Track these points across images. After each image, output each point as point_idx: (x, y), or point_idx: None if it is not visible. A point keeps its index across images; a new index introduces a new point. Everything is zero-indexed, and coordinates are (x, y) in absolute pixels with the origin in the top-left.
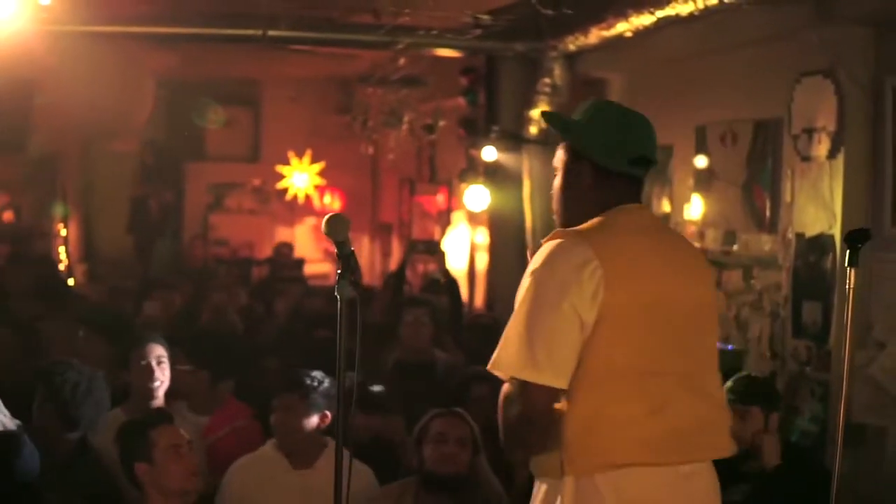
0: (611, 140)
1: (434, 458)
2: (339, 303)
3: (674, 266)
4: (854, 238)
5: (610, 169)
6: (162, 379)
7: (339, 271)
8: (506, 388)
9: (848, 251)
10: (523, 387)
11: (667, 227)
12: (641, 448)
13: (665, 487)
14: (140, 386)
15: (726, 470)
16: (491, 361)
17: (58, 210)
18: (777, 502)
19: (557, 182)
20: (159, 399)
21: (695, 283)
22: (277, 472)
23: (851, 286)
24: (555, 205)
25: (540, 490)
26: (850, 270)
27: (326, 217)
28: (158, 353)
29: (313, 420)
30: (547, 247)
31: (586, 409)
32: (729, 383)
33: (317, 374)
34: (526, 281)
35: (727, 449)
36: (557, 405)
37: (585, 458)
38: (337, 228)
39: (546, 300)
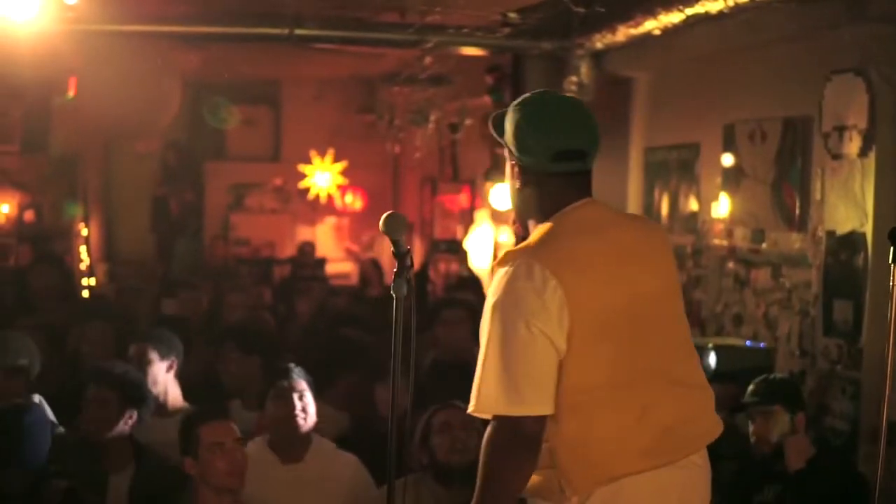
0: (529, 138)
1: (444, 447)
2: (394, 301)
3: (630, 261)
4: None
5: (534, 169)
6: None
7: (395, 270)
8: (489, 431)
9: (892, 248)
10: (515, 423)
11: (618, 216)
12: (637, 456)
13: (665, 486)
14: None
15: (758, 470)
16: (472, 405)
17: (78, 210)
18: (809, 502)
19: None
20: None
21: (653, 272)
22: (267, 467)
23: (895, 284)
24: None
25: None
26: (894, 267)
27: (385, 215)
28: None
29: (299, 412)
30: (502, 274)
31: (573, 430)
32: (751, 386)
33: (294, 366)
34: (488, 314)
35: (716, 430)
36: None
37: (584, 477)
38: (394, 226)
39: (515, 331)
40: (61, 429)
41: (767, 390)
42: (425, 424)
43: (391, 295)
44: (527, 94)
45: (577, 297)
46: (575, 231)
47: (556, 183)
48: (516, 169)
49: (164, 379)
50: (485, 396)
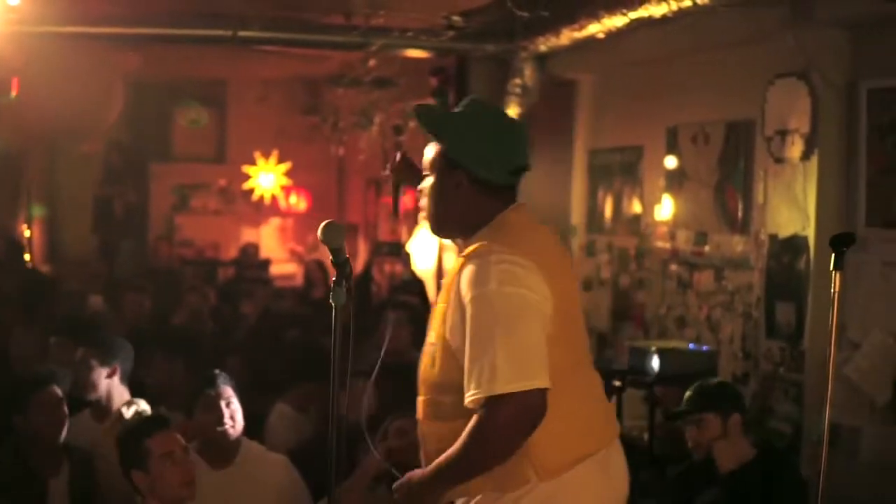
0: (490, 151)
1: (399, 448)
2: (333, 310)
3: (562, 257)
4: (839, 242)
5: (490, 181)
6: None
7: (333, 279)
8: (489, 413)
9: (833, 255)
10: (525, 397)
11: (538, 220)
12: (593, 437)
13: (609, 465)
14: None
15: (699, 473)
16: (480, 389)
17: (25, 211)
18: (749, 501)
19: (430, 184)
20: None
21: (570, 268)
22: (198, 474)
23: (837, 290)
24: (427, 206)
25: None
26: (836, 274)
27: (323, 224)
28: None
29: (228, 419)
30: (485, 263)
31: (550, 410)
32: (687, 392)
33: (219, 372)
34: (482, 301)
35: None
36: None
37: (559, 457)
38: (333, 235)
39: (520, 309)
40: None
41: (699, 397)
42: (384, 431)
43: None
44: (474, 105)
45: (553, 283)
46: (528, 226)
47: (504, 192)
48: (462, 179)
49: (105, 384)
50: (498, 376)
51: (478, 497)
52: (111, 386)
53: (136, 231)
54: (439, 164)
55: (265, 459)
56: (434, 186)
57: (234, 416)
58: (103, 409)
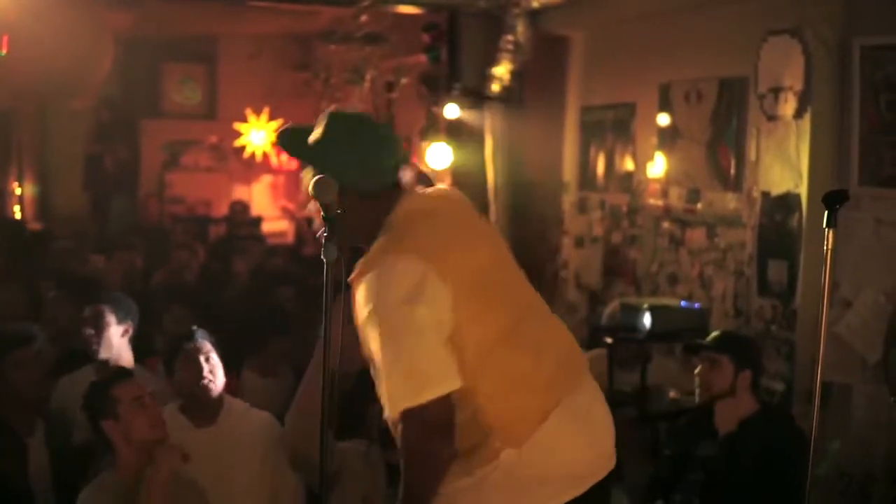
0: (362, 163)
1: None
2: (325, 266)
3: (468, 224)
4: (832, 199)
5: (377, 188)
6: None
7: (325, 234)
8: (401, 430)
9: (826, 212)
10: (421, 412)
11: (434, 195)
12: (551, 392)
13: (576, 414)
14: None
15: (697, 425)
16: (388, 408)
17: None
18: (747, 458)
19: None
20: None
21: (487, 233)
22: (182, 433)
23: (830, 248)
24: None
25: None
26: (829, 231)
27: (314, 179)
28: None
29: (207, 373)
30: (372, 278)
31: (492, 383)
32: (714, 333)
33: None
34: (372, 319)
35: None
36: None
37: (518, 425)
38: (324, 190)
39: (401, 325)
40: None
41: (723, 339)
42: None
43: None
44: (334, 121)
45: (448, 270)
46: (415, 221)
47: (388, 195)
48: (352, 196)
49: (118, 343)
50: (391, 397)
51: (451, 484)
52: (122, 346)
53: (127, 188)
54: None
55: (250, 416)
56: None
57: (213, 370)
58: (107, 367)
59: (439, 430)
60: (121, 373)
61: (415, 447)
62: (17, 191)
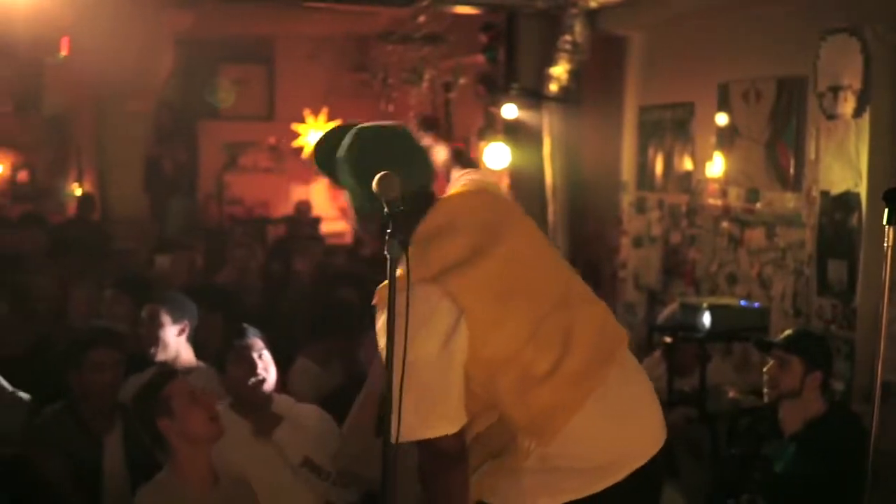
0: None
1: None
2: (388, 262)
3: (486, 230)
4: (892, 196)
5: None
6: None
7: (388, 231)
8: (418, 457)
9: (886, 210)
10: (436, 443)
11: (462, 199)
12: (579, 386)
13: (607, 406)
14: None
15: (764, 425)
16: (395, 436)
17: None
18: (812, 459)
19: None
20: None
21: (508, 228)
22: (233, 429)
23: (890, 244)
24: (364, 235)
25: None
26: (889, 229)
27: (378, 175)
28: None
29: (261, 370)
30: (386, 318)
31: (513, 394)
32: (787, 331)
33: (247, 326)
34: (392, 345)
35: (625, 334)
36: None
37: (547, 422)
38: (388, 186)
39: (420, 357)
40: (23, 396)
41: (796, 338)
42: None
43: (385, 255)
44: (359, 139)
45: (462, 291)
46: (436, 237)
47: (420, 203)
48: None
49: (174, 342)
50: (401, 426)
51: (483, 482)
52: (180, 345)
53: (186, 189)
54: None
55: (298, 410)
56: (360, 226)
57: (266, 367)
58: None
59: (451, 459)
60: (169, 373)
61: (429, 474)
62: (77, 191)
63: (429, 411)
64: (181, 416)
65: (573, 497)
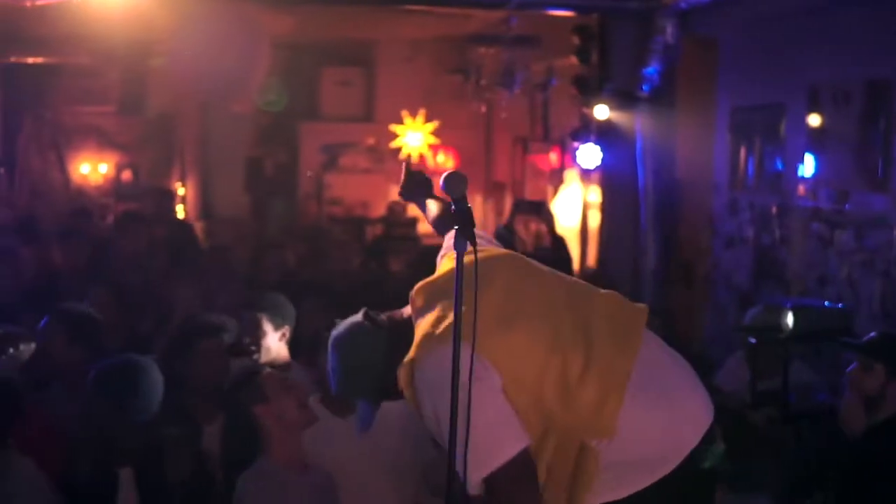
0: None
1: None
2: (456, 259)
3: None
4: None
5: None
6: None
7: (456, 228)
8: (495, 492)
9: None
10: (522, 455)
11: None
12: (615, 373)
13: (647, 398)
14: None
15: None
16: (468, 487)
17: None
18: (889, 461)
19: None
20: None
21: (501, 266)
22: (322, 422)
23: None
24: None
25: None
26: None
27: (445, 174)
28: None
29: None
30: (419, 376)
31: (561, 411)
32: (873, 333)
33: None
34: (442, 408)
35: (644, 310)
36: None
37: (599, 417)
38: (455, 185)
39: (477, 403)
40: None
41: (878, 344)
42: None
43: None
44: None
45: (490, 346)
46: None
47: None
48: None
49: (276, 347)
50: (466, 475)
51: None
52: (280, 348)
53: (287, 190)
54: None
55: (387, 407)
56: None
57: None
58: None
59: (533, 472)
60: (255, 365)
61: (522, 493)
62: (180, 191)
63: (486, 443)
64: (275, 402)
65: (633, 490)
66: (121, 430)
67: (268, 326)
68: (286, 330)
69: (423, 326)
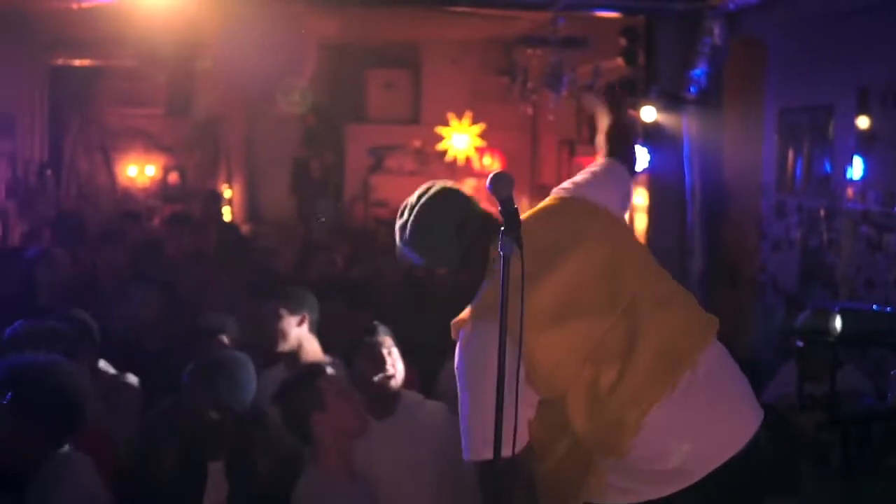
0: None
1: None
2: (501, 259)
3: (550, 247)
4: None
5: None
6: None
7: (502, 228)
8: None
9: None
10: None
11: (537, 218)
12: (659, 378)
13: (676, 418)
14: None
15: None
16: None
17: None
18: None
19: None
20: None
21: (582, 240)
22: None
23: None
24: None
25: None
26: None
27: (491, 175)
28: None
29: (390, 367)
30: (460, 343)
31: (581, 414)
32: None
33: (378, 323)
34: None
35: (713, 322)
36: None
37: (616, 441)
38: (501, 186)
39: (476, 385)
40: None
41: None
42: None
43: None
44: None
45: (531, 342)
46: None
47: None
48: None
49: (295, 333)
50: (467, 446)
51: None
52: (301, 335)
53: (333, 192)
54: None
55: (425, 407)
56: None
57: (394, 364)
58: (297, 360)
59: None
60: (318, 366)
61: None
62: (227, 193)
63: (488, 433)
64: (333, 410)
65: (647, 498)
66: (214, 423)
67: (283, 311)
68: (304, 316)
69: (486, 292)
